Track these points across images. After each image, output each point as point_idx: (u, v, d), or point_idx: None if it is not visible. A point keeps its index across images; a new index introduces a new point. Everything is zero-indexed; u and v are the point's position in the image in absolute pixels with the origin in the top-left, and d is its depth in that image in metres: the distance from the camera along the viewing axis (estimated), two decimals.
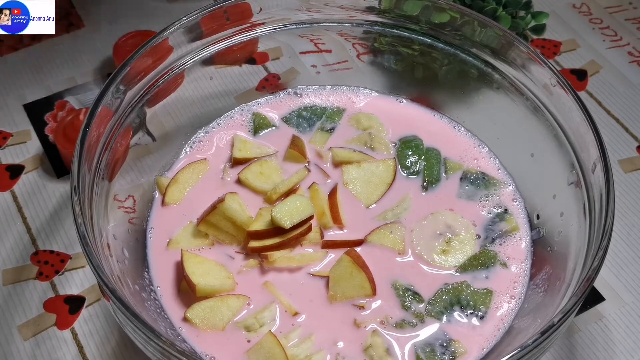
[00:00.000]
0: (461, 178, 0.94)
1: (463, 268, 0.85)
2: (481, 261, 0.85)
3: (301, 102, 1.01)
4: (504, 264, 0.86)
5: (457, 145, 0.97)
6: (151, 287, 0.83)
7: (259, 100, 1.01)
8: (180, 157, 0.95)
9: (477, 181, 0.93)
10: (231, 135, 0.97)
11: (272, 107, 1.00)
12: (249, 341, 0.79)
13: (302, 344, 0.78)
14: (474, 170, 0.94)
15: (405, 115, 0.99)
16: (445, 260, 0.86)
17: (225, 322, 0.79)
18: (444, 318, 0.81)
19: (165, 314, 0.81)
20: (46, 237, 0.98)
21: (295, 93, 1.02)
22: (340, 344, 0.79)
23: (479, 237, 0.88)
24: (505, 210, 0.91)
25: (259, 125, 0.98)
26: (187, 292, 0.82)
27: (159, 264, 0.85)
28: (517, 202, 0.92)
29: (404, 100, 1.01)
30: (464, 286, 0.83)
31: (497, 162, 0.96)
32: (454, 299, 0.82)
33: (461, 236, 0.88)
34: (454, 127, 0.99)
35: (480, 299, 0.82)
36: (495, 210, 0.91)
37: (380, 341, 0.78)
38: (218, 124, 0.99)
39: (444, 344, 0.79)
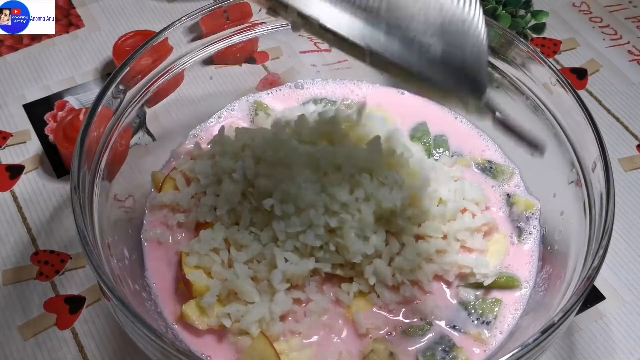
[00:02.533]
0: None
1: None
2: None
3: (305, 95, 1.01)
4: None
5: (464, 136, 0.98)
6: (151, 286, 0.83)
7: (260, 94, 1.01)
8: (179, 151, 0.95)
9: (485, 171, 0.94)
10: (229, 125, 0.97)
11: (274, 99, 1.00)
12: (244, 342, 0.78)
13: (303, 350, 0.78)
14: (481, 160, 0.95)
15: (409, 106, 1.00)
16: None
17: (222, 320, 0.78)
18: (451, 324, 0.81)
19: (161, 312, 0.81)
20: (46, 237, 0.98)
21: (297, 86, 1.02)
22: (341, 350, 0.78)
23: None
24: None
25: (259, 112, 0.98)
26: (183, 292, 0.82)
27: (155, 263, 0.85)
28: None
29: (406, 92, 1.01)
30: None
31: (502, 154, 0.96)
32: (462, 307, 0.82)
33: None
34: (455, 118, 0.99)
35: (488, 308, 0.82)
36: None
37: (382, 347, 0.78)
38: (219, 117, 0.99)
39: (447, 349, 0.79)
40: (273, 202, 0.78)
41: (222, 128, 0.91)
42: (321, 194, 0.78)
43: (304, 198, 0.77)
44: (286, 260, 0.78)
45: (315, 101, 1.00)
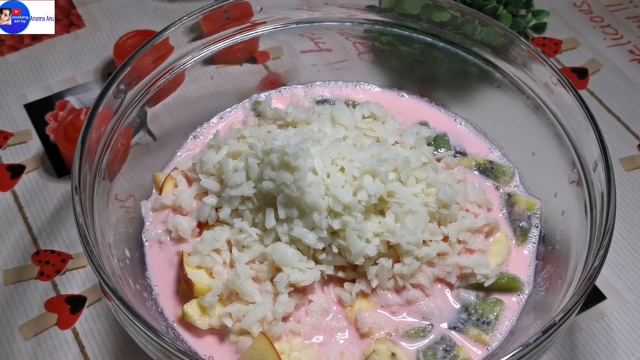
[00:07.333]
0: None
1: None
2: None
3: (306, 94, 1.01)
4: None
5: (464, 137, 0.98)
6: (152, 286, 0.83)
7: (261, 94, 1.01)
8: (180, 151, 0.95)
9: (487, 172, 0.93)
10: (228, 126, 0.97)
11: (275, 99, 1.01)
12: (245, 342, 0.78)
13: (304, 350, 0.78)
14: (482, 160, 0.95)
15: (409, 108, 1.00)
16: None
17: (223, 320, 0.78)
18: (452, 324, 0.81)
19: (162, 312, 0.81)
20: (47, 237, 0.98)
21: (297, 86, 1.03)
22: (343, 350, 0.78)
23: None
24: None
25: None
26: (184, 292, 0.82)
27: (156, 263, 0.85)
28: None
29: (406, 95, 1.01)
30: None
31: (502, 155, 0.96)
32: (463, 308, 0.82)
33: None
34: (455, 120, 0.99)
35: (489, 308, 0.82)
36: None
37: (384, 347, 0.78)
38: (220, 117, 0.99)
39: (447, 349, 0.79)
40: (277, 205, 0.78)
41: (218, 132, 0.91)
42: (324, 196, 0.78)
43: (308, 202, 0.76)
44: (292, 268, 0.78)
45: (317, 102, 1.00)
